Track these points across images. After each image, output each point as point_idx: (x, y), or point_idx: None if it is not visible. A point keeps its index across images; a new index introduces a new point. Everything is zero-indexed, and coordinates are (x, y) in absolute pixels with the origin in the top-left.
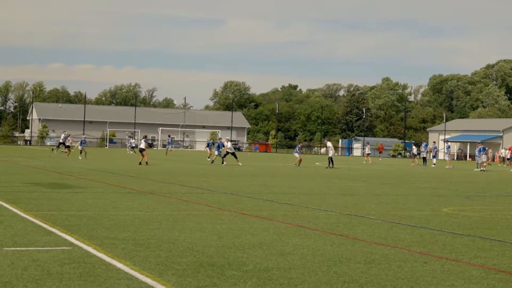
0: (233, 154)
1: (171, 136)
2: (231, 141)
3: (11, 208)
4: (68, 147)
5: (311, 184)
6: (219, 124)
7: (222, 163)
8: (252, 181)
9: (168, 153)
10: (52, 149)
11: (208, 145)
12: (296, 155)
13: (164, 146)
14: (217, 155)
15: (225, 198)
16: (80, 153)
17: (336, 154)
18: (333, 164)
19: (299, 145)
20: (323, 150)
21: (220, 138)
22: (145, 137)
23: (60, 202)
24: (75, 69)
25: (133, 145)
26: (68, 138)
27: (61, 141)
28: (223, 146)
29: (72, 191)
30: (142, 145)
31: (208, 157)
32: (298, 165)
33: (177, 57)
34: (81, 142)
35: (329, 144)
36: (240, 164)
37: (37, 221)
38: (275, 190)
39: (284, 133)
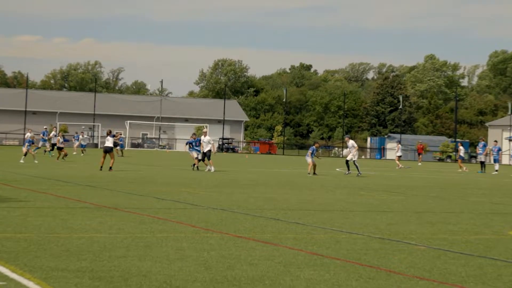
0: (205, 153)
1: (122, 135)
2: (223, 139)
3: None
4: (60, 148)
5: (330, 197)
6: (207, 117)
7: (202, 167)
8: (252, 192)
9: (120, 155)
10: (45, 151)
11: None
12: (308, 159)
13: (138, 145)
14: (196, 157)
15: (215, 215)
16: (25, 155)
17: (362, 156)
18: (348, 169)
19: (314, 147)
20: (345, 151)
21: (194, 134)
22: (110, 132)
23: None
24: (14, 42)
25: (83, 143)
26: (58, 137)
27: (53, 142)
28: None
29: (8, 205)
30: (109, 142)
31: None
32: (313, 173)
33: (152, 27)
34: (28, 141)
35: (351, 142)
36: (207, 169)
37: None
38: (281, 205)
39: (294, 129)
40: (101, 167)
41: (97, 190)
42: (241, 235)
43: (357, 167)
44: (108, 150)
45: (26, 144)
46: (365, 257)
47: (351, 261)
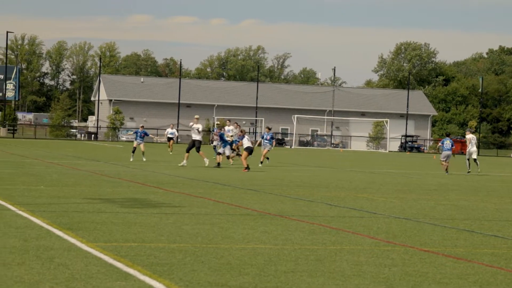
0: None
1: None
2: (406, 136)
3: (66, 237)
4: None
5: None
6: (387, 110)
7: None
8: (440, 199)
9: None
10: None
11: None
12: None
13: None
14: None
15: (397, 225)
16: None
17: None
18: (470, 167)
19: None
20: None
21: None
22: (244, 131)
23: (143, 229)
24: (166, 24)
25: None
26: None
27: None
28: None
29: (161, 211)
30: (248, 141)
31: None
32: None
33: (323, 6)
34: (137, 135)
35: (470, 136)
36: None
37: (106, 257)
38: (476, 215)
39: (492, 125)
40: (246, 167)
41: (260, 194)
42: (429, 249)
43: (475, 163)
44: (252, 150)
45: (138, 139)
46: None
47: None
